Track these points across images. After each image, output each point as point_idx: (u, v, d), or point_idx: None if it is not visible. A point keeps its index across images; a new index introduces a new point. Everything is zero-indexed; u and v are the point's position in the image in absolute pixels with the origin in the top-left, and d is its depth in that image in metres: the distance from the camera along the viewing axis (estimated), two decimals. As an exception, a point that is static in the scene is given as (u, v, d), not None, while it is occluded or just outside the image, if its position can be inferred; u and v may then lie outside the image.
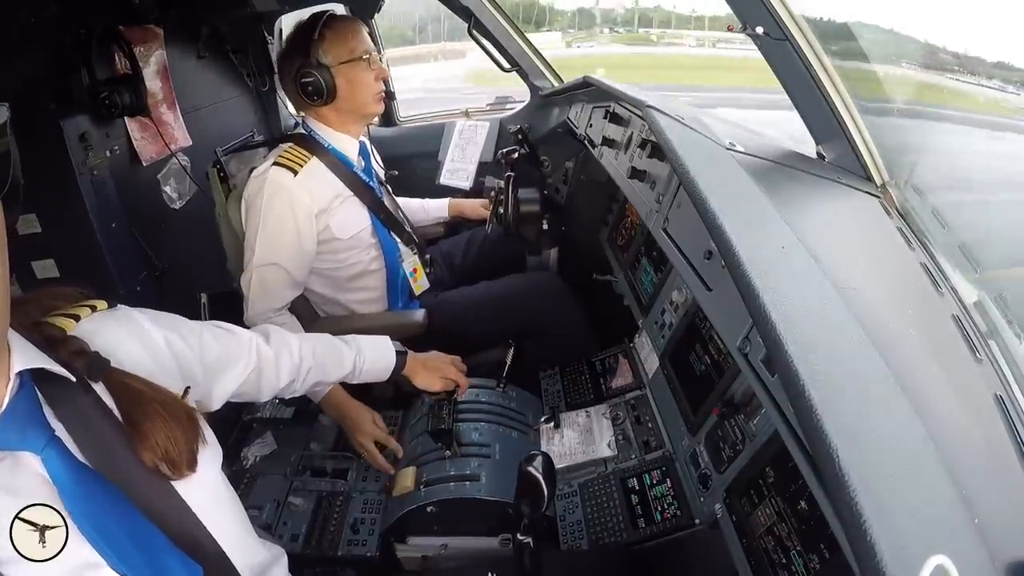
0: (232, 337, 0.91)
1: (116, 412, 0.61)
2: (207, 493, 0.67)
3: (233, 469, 1.34)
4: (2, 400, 0.53)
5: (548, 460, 0.80)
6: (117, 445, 0.59)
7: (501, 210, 1.77)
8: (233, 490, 0.75)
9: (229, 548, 0.66)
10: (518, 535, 0.78)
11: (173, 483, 0.62)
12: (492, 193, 1.83)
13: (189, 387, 0.73)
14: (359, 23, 1.53)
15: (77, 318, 0.65)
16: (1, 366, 0.53)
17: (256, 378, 0.94)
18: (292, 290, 1.51)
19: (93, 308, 0.67)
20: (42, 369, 0.55)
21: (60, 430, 0.56)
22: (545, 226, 1.85)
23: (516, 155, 1.83)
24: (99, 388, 0.61)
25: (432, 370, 1.23)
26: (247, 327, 0.99)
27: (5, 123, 0.49)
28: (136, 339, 0.69)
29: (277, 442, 1.40)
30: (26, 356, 0.55)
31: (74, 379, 0.58)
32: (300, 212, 1.44)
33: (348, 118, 1.56)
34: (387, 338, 1.20)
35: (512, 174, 1.77)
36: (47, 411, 0.56)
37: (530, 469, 0.77)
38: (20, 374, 0.54)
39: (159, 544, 0.60)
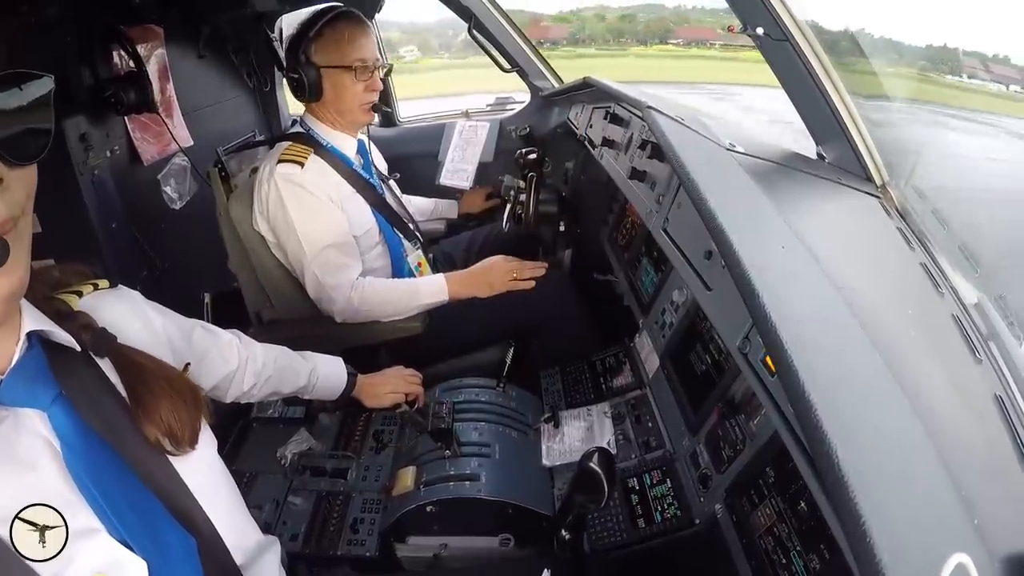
0: (215, 336, 0.96)
1: (120, 387, 0.62)
2: (204, 473, 0.68)
3: (233, 469, 1.33)
4: (11, 357, 0.54)
5: (608, 455, 0.80)
6: (119, 417, 0.60)
7: (519, 210, 1.77)
8: (229, 474, 0.75)
9: (222, 527, 0.66)
10: (562, 531, 0.79)
11: (172, 461, 0.63)
12: (512, 193, 1.84)
13: (189, 363, 0.74)
14: (364, 30, 1.50)
15: (80, 294, 0.66)
16: (12, 326, 0.54)
17: (231, 376, 0.99)
18: (355, 260, 1.51)
19: (96, 286, 0.69)
20: (49, 337, 0.56)
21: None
22: (562, 227, 1.86)
23: (534, 156, 1.84)
24: (104, 364, 0.62)
25: (379, 385, 1.29)
26: (230, 330, 1.03)
27: (50, 93, 0.50)
28: (137, 318, 0.72)
29: (313, 436, 1.39)
30: (35, 320, 0.56)
31: (79, 350, 0.59)
32: (321, 194, 1.45)
33: (339, 119, 1.55)
34: (340, 360, 1.25)
35: (535, 174, 1.78)
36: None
37: (591, 465, 0.77)
38: (29, 335, 0.55)
39: (157, 513, 0.60)
